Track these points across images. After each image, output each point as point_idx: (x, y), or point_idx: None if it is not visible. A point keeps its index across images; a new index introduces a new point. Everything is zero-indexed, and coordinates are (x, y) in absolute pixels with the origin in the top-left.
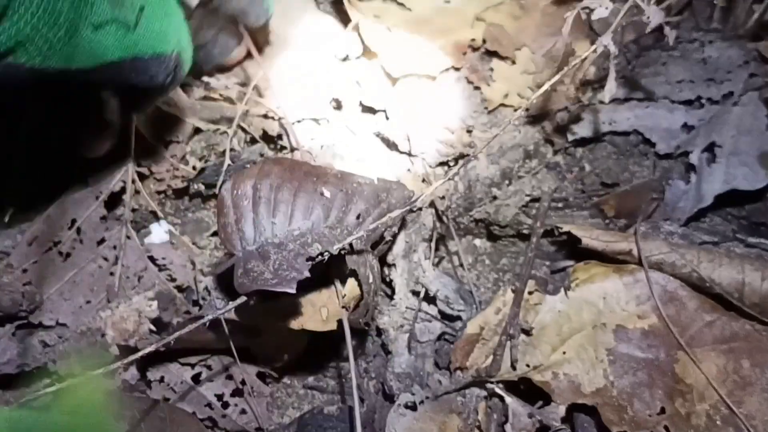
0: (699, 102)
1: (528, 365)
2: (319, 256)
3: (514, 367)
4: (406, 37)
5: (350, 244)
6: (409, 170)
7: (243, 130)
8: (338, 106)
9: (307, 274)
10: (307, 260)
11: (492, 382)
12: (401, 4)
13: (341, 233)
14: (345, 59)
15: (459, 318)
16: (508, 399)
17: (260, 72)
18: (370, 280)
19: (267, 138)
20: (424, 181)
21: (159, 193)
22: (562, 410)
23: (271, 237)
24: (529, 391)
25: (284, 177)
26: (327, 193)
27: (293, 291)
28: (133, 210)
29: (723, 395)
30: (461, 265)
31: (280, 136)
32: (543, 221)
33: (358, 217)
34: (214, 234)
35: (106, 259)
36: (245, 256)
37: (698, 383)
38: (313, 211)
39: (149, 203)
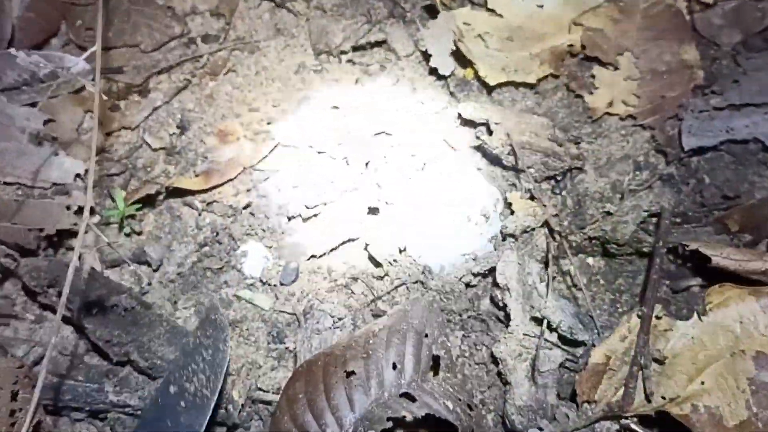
0: None
1: (663, 397)
2: None
3: (648, 400)
4: (500, 45)
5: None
6: (514, 186)
7: None
8: (434, 119)
9: None
10: None
11: (626, 417)
12: (492, 10)
13: (388, 402)
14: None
15: (581, 344)
16: None
17: None
18: (453, 408)
19: None
20: (532, 198)
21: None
22: None
23: None
24: (666, 425)
25: (308, 388)
26: (354, 369)
27: None
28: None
29: None
30: (575, 285)
31: None
32: (666, 239)
33: (394, 368)
34: (312, 257)
35: None
36: None
37: None
38: (354, 400)
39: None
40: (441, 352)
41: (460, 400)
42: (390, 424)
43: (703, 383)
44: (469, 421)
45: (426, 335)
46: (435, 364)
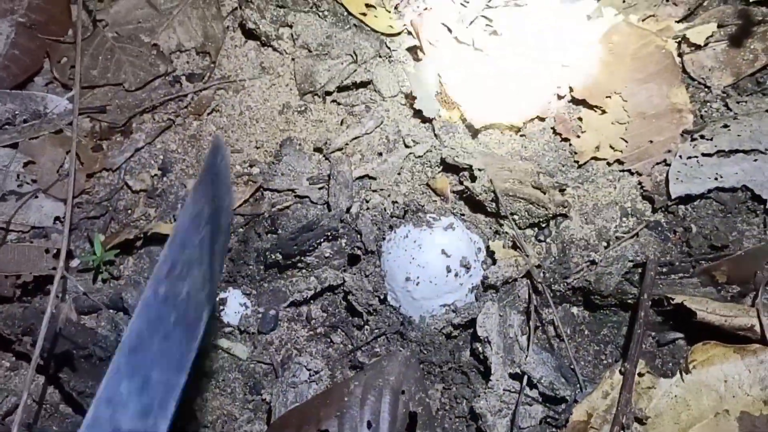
0: None
1: None
2: None
3: None
4: (486, 86)
5: None
6: (497, 233)
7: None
8: (418, 162)
9: None
10: None
11: None
12: (478, 50)
13: None
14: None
15: (562, 400)
16: None
17: None
18: None
19: None
20: (515, 247)
21: (232, 261)
22: None
23: None
24: None
25: None
26: (328, 428)
27: None
28: None
29: None
30: (558, 336)
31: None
32: (650, 294)
33: (369, 426)
34: (292, 304)
35: None
36: None
37: None
38: None
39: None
40: (418, 409)
41: None
42: None
43: None
44: None
45: (403, 392)
46: (411, 421)
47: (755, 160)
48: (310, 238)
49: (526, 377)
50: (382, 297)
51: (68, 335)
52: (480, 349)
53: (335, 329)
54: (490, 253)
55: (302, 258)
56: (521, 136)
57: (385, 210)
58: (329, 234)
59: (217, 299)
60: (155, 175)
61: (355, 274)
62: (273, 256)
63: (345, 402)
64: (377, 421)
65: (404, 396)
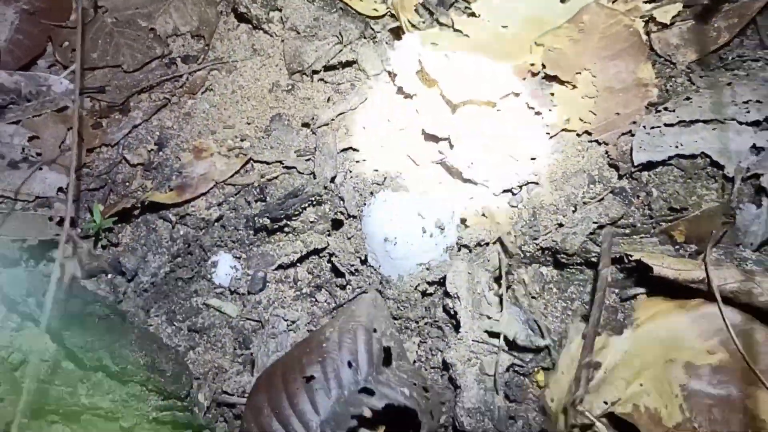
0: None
1: (606, 402)
2: None
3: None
4: (464, 64)
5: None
6: (471, 199)
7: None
8: (399, 135)
9: None
10: None
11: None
12: (458, 31)
13: (349, 399)
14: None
15: (528, 350)
16: None
17: None
18: (410, 394)
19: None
20: (484, 215)
21: (223, 227)
22: None
23: None
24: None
25: (271, 396)
26: (314, 373)
27: None
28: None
29: None
30: (528, 293)
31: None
32: (609, 254)
33: (350, 366)
34: (279, 267)
35: None
36: None
37: None
38: (317, 403)
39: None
40: (391, 343)
41: (415, 384)
42: (355, 423)
43: (641, 385)
44: (426, 403)
45: (374, 330)
46: (386, 355)
47: (714, 129)
48: (295, 203)
49: (491, 327)
50: (363, 258)
51: (71, 296)
52: (450, 304)
53: (320, 289)
54: (463, 218)
55: (288, 222)
56: (497, 110)
57: (366, 178)
58: (314, 199)
59: (209, 262)
60: (152, 149)
61: (338, 237)
62: (261, 221)
63: (324, 348)
64: (356, 360)
65: (376, 333)
